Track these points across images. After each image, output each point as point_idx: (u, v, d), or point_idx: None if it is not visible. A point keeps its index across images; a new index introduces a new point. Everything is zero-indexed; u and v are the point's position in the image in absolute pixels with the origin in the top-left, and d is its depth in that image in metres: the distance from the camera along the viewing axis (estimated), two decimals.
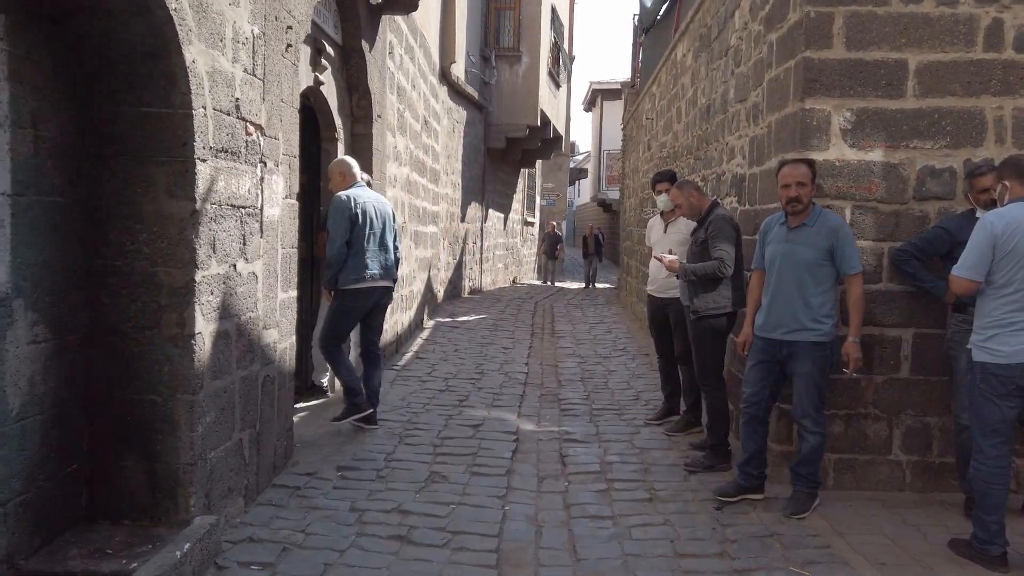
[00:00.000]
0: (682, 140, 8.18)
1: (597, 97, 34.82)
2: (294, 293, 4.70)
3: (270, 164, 4.19)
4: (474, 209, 15.50)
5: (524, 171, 21.55)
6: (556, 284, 19.45)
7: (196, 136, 3.35)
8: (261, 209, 4.09)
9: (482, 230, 16.34)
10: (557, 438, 5.55)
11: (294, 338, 4.73)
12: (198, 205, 3.38)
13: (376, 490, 4.37)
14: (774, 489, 4.62)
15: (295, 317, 4.74)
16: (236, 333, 3.82)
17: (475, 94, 14.52)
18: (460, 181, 14.21)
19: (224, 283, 3.66)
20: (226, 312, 3.69)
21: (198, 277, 3.40)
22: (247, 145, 3.89)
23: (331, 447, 5.11)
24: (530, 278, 22.54)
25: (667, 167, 9.04)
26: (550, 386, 7.24)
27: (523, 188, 21.68)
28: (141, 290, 3.37)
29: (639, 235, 11.84)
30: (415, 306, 9.67)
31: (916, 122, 4.26)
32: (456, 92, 13.46)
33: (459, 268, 14.36)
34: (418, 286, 9.90)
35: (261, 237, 4.10)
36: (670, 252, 5.54)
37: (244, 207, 3.86)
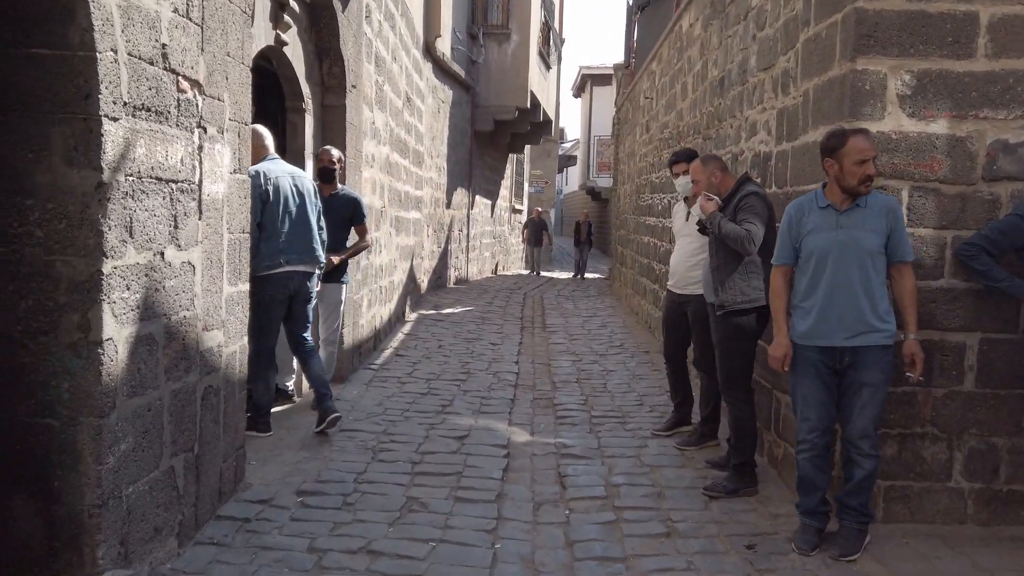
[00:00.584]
0: (688, 119, 7.48)
1: (587, 82, 34.05)
2: (246, 287, 3.97)
3: (212, 130, 3.45)
4: (460, 195, 14.75)
5: (512, 156, 20.80)
6: (543, 273, 18.69)
7: (103, 87, 2.61)
8: (200, 184, 3.35)
9: (468, 217, 15.60)
10: (554, 452, 4.86)
11: (246, 339, 4.00)
12: (106, 176, 2.64)
13: (342, 522, 3.66)
14: (768, 490, 4.01)
15: (248, 315, 4.01)
16: (165, 337, 3.09)
17: (462, 72, 13.75)
18: (446, 165, 13.45)
19: (146, 275, 2.93)
20: (149, 311, 2.96)
21: (107, 268, 2.67)
22: (179, 105, 3.14)
23: (293, 464, 4.39)
24: (518, 267, 21.82)
25: (670, 148, 8.35)
26: (543, 389, 6.55)
27: (511, 174, 20.93)
28: (33, 284, 2.64)
29: (635, 223, 11.16)
30: (395, 298, 8.94)
31: (987, 88, 3.58)
32: (441, 70, 12.68)
33: (444, 257, 13.62)
34: (399, 276, 9.17)
35: (200, 219, 3.37)
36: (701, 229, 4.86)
37: (175, 181, 3.12)
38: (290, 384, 5.55)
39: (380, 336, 7.94)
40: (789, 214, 3.49)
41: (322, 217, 5.05)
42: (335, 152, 5.47)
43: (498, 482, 4.27)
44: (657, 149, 9.36)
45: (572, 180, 42.33)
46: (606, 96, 32.82)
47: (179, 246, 3.17)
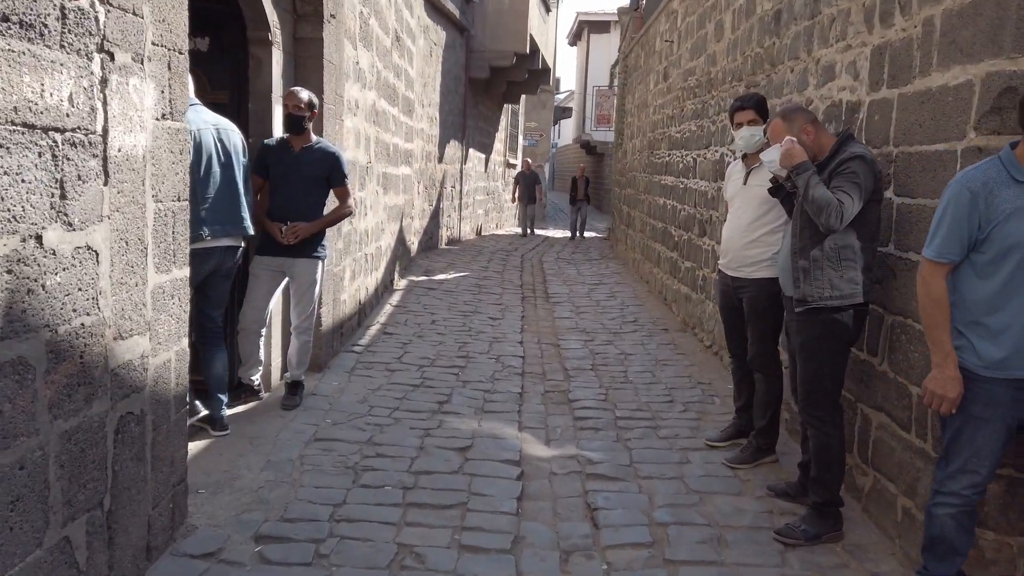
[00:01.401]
0: (724, 63, 6.44)
1: (584, 30, 32.55)
2: (184, 272, 2.99)
3: (123, 57, 2.44)
4: (453, 148, 13.65)
5: (507, 107, 19.61)
6: (537, 232, 17.62)
7: None
8: (104, 135, 2.35)
9: (462, 172, 14.52)
10: (577, 471, 3.97)
11: (185, 342, 3.04)
12: None
13: None
14: (856, 535, 3.16)
15: (188, 309, 3.04)
16: (48, 359, 2.13)
17: (456, 12, 12.53)
18: (438, 115, 12.33)
19: (8, 272, 1.96)
20: (16, 326, 1.99)
21: None
22: (64, 16, 2.13)
23: (253, 492, 3.48)
24: (511, 224, 20.80)
25: (697, 97, 7.32)
26: (555, 379, 5.64)
27: (505, 126, 19.77)
28: None
29: (646, 183, 10.16)
30: (383, 265, 7.95)
31: None
32: (434, 7, 11.47)
33: (436, 216, 12.59)
34: (387, 240, 8.17)
35: (106, 184, 2.38)
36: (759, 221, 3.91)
37: (60, 129, 2.13)
38: (256, 378, 4.60)
39: (365, 310, 6.98)
40: (969, 190, 2.41)
41: (260, 177, 4.34)
42: (304, 95, 4.43)
43: (513, 518, 3.38)
44: (679, 99, 8.32)
45: (566, 133, 41.00)
46: (604, 44, 31.40)
47: (69, 224, 2.19)
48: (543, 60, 16.62)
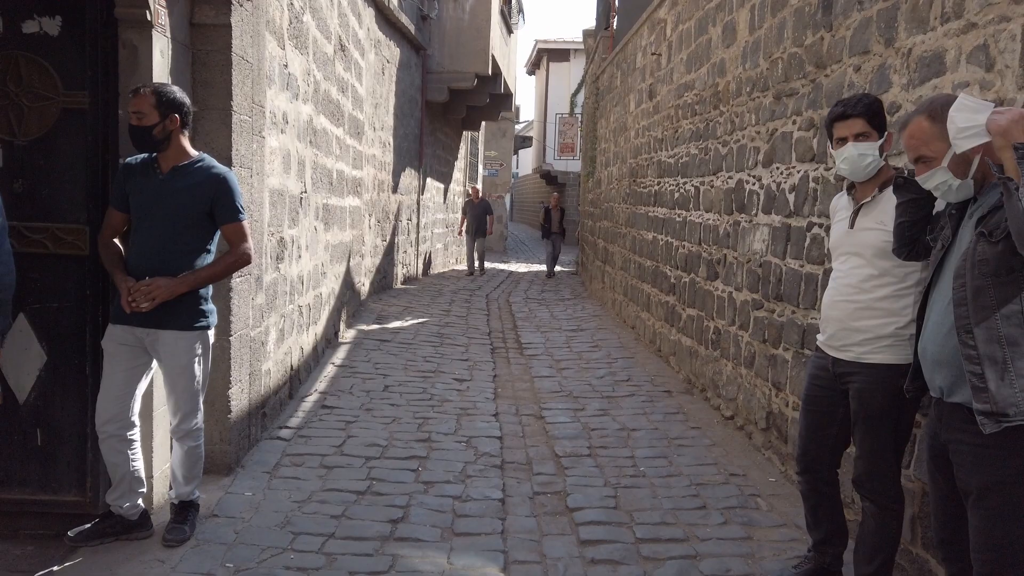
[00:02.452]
0: (739, 71, 5.31)
1: (543, 58, 31.83)
2: None
3: None
4: (409, 177, 12.37)
5: (467, 134, 18.46)
6: (494, 266, 15.82)
7: None
8: None
9: (419, 203, 13.24)
10: None
11: None
12: None
13: None
14: None
15: None
16: None
17: (411, 27, 11.33)
18: (392, 140, 11.06)
19: None
20: None
21: None
22: None
23: None
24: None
25: (698, 115, 6.18)
26: (544, 471, 4.32)
27: (465, 155, 18.60)
28: None
29: (627, 215, 9.01)
30: (324, 317, 6.57)
31: None
32: (386, 20, 10.26)
33: (390, 252, 11.26)
34: (330, 286, 6.81)
35: None
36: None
37: None
38: (129, 505, 3.18)
39: (300, 376, 5.59)
40: None
41: (119, 212, 3.07)
42: (151, 91, 3.00)
43: None
44: (671, 119, 7.19)
45: (524, 164, 40.11)
46: (564, 73, 30.66)
47: None
48: (505, 84, 15.52)
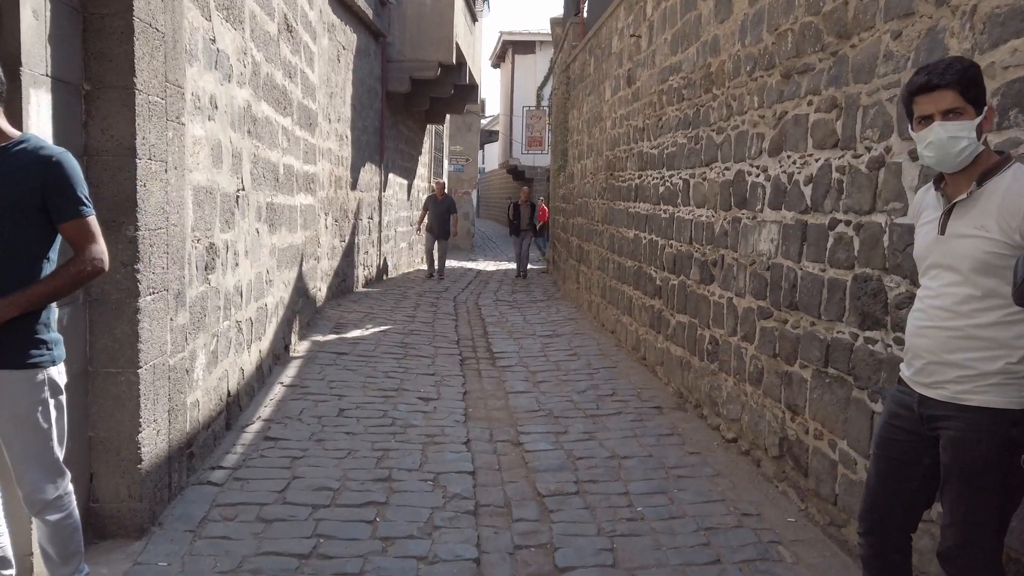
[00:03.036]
0: (735, 49, 4.70)
1: (507, 50, 31.13)
2: None
3: None
4: (369, 173, 11.62)
5: (431, 128, 17.70)
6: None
7: None
8: None
9: (380, 201, 12.49)
10: None
11: None
12: None
13: None
14: None
15: None
16: None
17: (368, 11, 10.58)
18: (349, 133, 10.31)
19: None
20: None
21: None
22: None
23: None
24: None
25: (686, 100, 5.58)
26: (526, 517, 3.66)
27: (429, 149, 17.84)
28: None
29: (604, 211, 8.41)
30: (271, 330, 5.83)
31: None
32: (342, 5, 9.51)
33: (350, 253, 10.51)
34: (277, 295, 6.07)
35: None
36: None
37: None
38: None
39: (239, 402, 4.86)
40: None
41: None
42: None
43: None
44: (653, 106, 6.57)
45: (491, 158, 39.40)
46: (529, 65, 30.00)
47: None
48: (470, 74, 14.82)
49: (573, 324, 8.86)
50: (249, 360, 5.09)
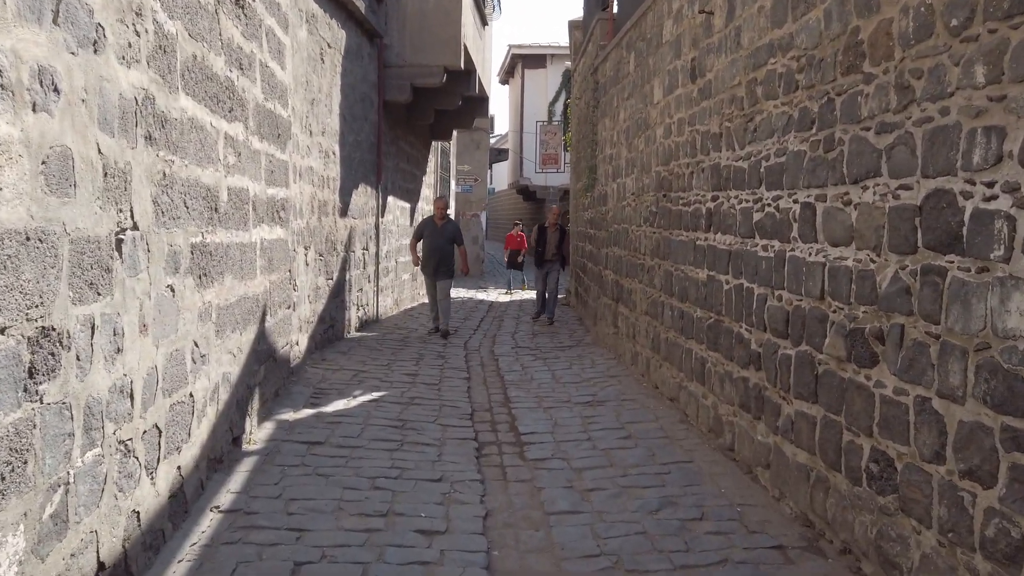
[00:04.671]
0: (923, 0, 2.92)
1: (517, 65, 29.57)
2: None
3: None
4: (364, 196, 9.87)
5: (436, 145, 16.00)
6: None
7: None
8: None
9: (378, 228, 10.73)
10: None
11: None
12: None
13: None
14: None
15: None
16: None
17: (361, 5, 8.88)
18: (338, 149, 8.59)
19: None
20: None
21: None
22: None
23: None
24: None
25: (803, 89, 3.79)
26: None
27: (435, 168, 16.13)
28: None
29: (654, 241, 6.63)
30: (202, 430, 3.98)
31: None
32: None
33: (340, 292, 8.72)
34: (215, 375, 4.24)
35: None
36: None
37: None
38: None
39: (129, 569, 3.03)
40: None
41: None
42: None
43: None
44: (739, 104, 4.78)
45: (499, 178, 37.73)
46: (540, 80, 28.37)
47: None
48: (480, 84, 13.11)
49: (616, 384, 7.02)
50: (153, 492, 3.28)
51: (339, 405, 5.96)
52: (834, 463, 3.55)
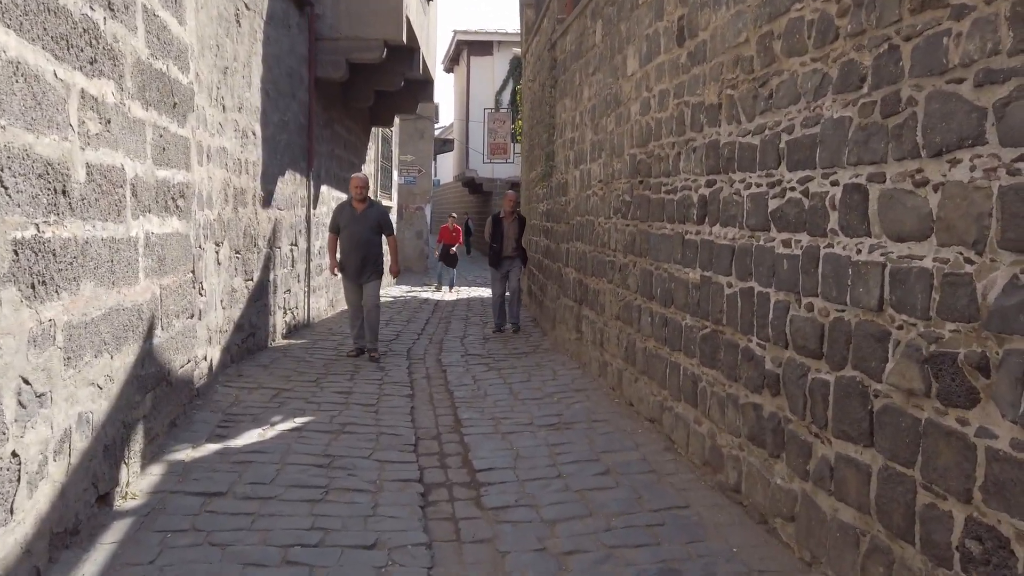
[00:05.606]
0: None
1: (462, 52, 28.49)
2: None
3: None
4: (292, 184, 8.72)
5: (377, 132, 14.84)
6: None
7: None
8: None
9: (309, 221, 9.58)
10: None
11: None
12: None
13: None
14: None
15: None
16: None
17: None
18: (260, 129, 7.44)
19: None
20: None
21: None
22: None
23: None
24: (386, 281, 15.91)
25: (849, 38, 2.86)
26: None
27: (375, 157, 14.96)
28: None
29: (627, 236, 5.69)
30: (38, 499, 2.88)
31: None
32: None
33: (263, 294, 7.57)
34: (62, 420, 3.11)
35: None
36: None
37: None
38: None
39: None
40: None
41: None
42: None
43: None
44: (743, 65, 3.86)
45: (444, 170, 36.53)
46: (487, 68, 27.30)
47: None
48: (424, 64, 12.02)
49: (583, 400, 6.09)
50: None
51: (252, 436, 4.86)
52: (903, 531, 2.66)
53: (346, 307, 10.64)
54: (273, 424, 5.15)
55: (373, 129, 14.21)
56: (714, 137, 4.31)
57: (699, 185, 4.51)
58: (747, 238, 3.88)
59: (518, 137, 19.06)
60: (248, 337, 7.18)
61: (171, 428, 4.72)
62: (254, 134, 7.22)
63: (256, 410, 5.45)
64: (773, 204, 3.62)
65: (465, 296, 14.50)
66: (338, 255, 7.55)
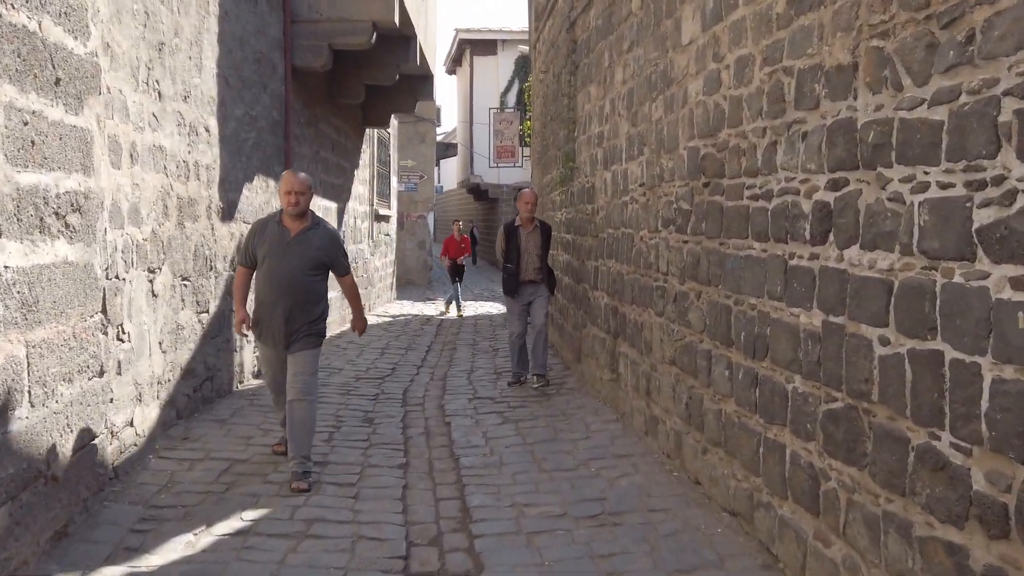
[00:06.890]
0: None
1: (465, 52, 27.09)
2: None
3: None
4: (262, 192, 7.29)
5: (372, 134, 13.42)
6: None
7: None
8: None
9: None
10: None
11: None
12: None
13: None
14: None
15: None
16: None
17: None
18: (216, 125, 6.04)
19: None
20: None
21: None
22: None
23: None
24: (386, 299, 14.49)
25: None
26: None
27: (370, 162, 13.53)
28: None
29: (687, 257, 4.20)
30: None
31: None
32: None
33: (222, 328, 6.14)
34: None
35: None
36: None
37: None
38: None
39: None
40: None
41: None
42: None
43: None
44: (905, 1, 2.44)
45: (448, 176, 35.12)
46: (491, 68, 25.87)
47: None
48: (422, 54, 10.60)
49: (630, 471, 4.62)
50: None
51: (176, 548, 3.43)
52: None
53: (336, 331, 9.15)
54: (211, 524, 3.71)
55: (368, 130, 12.80)
56: (844, 115, 2.87)
57: (815, 187, 3.07)
58: (922, 270, 2.43)
59: (527, 139, 17.66)
60: (204, 383, 5.75)
61: (56, 544, 3.30)
62: (207, 130, 5.81)
63: (193, 498, 4.01)
64: (984, 216, 2.17)
65: (472, 313, 13.06)
66: (251, 303, 4.62)
